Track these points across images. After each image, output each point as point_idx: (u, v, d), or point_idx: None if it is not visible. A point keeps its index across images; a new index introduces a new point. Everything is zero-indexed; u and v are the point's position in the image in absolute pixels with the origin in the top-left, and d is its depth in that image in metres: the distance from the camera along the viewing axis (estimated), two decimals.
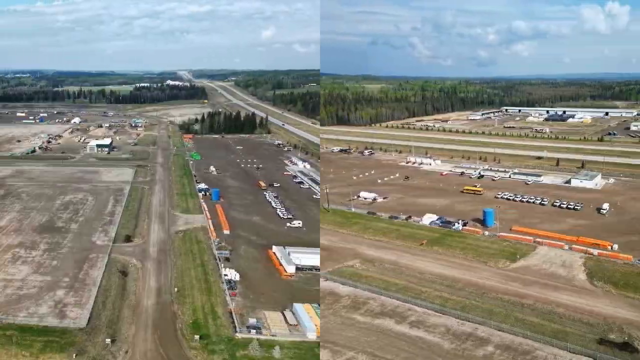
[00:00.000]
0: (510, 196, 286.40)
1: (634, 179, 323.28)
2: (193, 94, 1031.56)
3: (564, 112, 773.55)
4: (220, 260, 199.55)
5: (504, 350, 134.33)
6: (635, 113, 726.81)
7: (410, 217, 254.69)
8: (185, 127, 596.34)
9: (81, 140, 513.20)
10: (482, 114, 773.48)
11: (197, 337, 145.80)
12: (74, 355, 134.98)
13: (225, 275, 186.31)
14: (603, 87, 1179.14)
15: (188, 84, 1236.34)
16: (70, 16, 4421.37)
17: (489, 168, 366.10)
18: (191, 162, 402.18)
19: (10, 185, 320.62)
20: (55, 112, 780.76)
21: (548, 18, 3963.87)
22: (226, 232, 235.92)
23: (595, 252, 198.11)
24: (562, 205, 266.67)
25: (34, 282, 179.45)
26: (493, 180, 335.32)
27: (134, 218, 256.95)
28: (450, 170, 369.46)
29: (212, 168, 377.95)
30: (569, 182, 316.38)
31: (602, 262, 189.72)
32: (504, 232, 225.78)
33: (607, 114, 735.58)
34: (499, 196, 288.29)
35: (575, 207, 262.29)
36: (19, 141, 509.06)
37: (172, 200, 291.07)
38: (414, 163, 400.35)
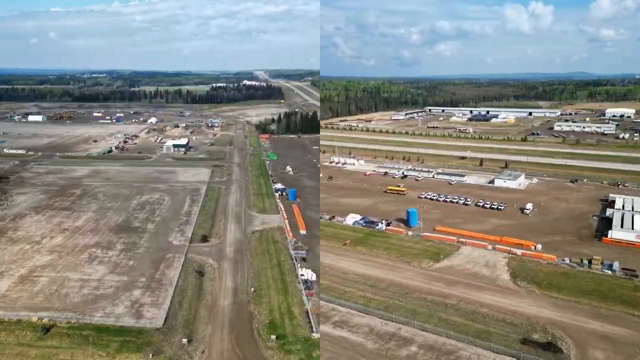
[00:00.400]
0: (433, 196, 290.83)
1: (557, 178, 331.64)
2: (269, 94, 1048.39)
3: (488, 112, 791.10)
4: (296, 260, 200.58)
5: (427, 350, 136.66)
6: (559, 113, 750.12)
7: (333, 217, 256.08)
8: (262, 127, 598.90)
9: (158, 140, 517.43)
10: (406, 114, 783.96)
11: (273, 337, 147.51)
12: (151, 355, 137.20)
13: (302, 275, 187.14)
14: (527, 87, 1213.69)
15: (264, 84, 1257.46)
16: (147, 16, 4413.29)
17: (413, 168, 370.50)
18: (268, 162, 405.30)
19: (86, 185, 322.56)
20: (131, 112, 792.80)
21: (471, 18, 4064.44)
22: (303, 232, 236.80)
23: (519, 252, 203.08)
24: (485, 205, 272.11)
25: (110, 282, 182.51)
26: (416, 180, 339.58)
27: (211, 218, 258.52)
28: (374, 170, 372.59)
29: (288, 168, 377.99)
30: (492, 182, 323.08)
31: (526, 262, 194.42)
32: (428, 232, 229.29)
33: (530, 114, 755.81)
34: (422, 196, 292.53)
35: (499, 207, 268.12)
36: (95, 141, 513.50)
37: (249, 200, 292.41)
38: (337, 163, 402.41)
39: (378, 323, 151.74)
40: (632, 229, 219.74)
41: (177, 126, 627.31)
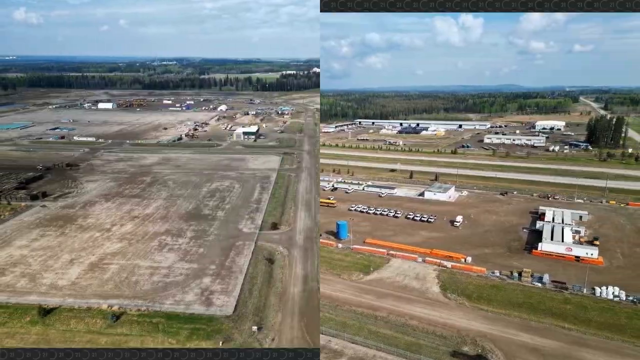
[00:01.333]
0: (363, 209, 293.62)
1: (487, 191, 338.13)
2: None
3: (418, 124, 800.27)
4: None
5: None
6: (489, 125, 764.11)
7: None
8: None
9: (228, 128, 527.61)
10: (336, 127, 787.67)
11: None
12: (221, 342, 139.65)
13: None
14: (456, 100, 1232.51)
15: None
16: (217, 4, 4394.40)
17: (343, 180, 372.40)
18: None
19: (156, 173, 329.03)
20: (201, 100, 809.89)
21: (402, 30, 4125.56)
22: None
23: (449, 264, 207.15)
24: (415, 218, 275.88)
25: (180, 269, 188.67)
26: (346, 192, 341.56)
27: (281, 205, 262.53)
28: None
29: None
30: (422, 194, 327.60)
31: (456, 275, 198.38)
32: (358, 244, 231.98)
33: (460, 126, 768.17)
34: (352, 208, 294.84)
35: (429, 219, 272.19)
36: (165, 129, 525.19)
37: (319, 188, 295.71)
38: None
39: None
40: (562, 241, 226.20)
41: (247, 114, 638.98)
